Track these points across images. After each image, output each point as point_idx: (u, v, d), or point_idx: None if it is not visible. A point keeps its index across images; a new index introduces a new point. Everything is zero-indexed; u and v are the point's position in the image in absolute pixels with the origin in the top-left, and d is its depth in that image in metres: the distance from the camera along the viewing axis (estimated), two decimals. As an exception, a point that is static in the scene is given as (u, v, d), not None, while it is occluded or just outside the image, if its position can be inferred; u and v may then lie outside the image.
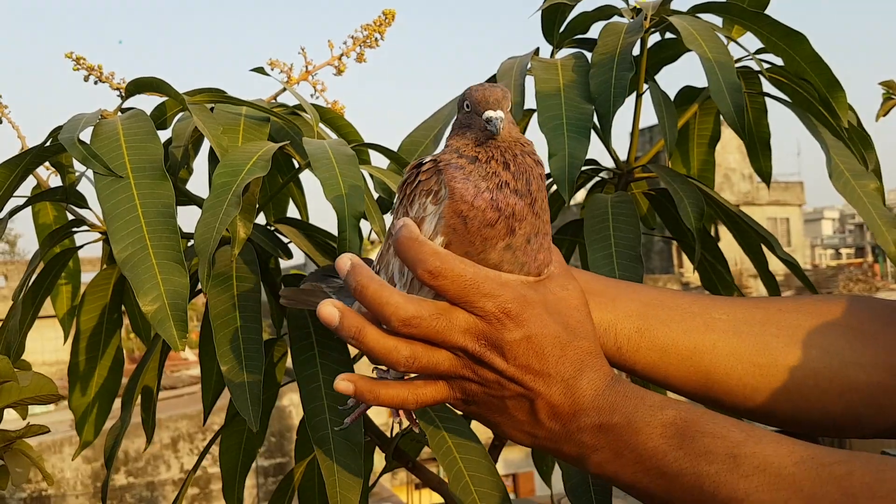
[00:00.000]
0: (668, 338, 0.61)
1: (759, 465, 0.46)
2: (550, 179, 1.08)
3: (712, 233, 1.12)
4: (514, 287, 0.52)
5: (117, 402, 1.00)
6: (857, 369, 0.59)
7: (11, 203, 0.88)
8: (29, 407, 0.81)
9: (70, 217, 0.97)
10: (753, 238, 1.05)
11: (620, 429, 0.51)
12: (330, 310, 0.52)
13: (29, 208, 1.07)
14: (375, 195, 1.03)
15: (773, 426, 0.62)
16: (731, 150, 19.21)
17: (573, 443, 0.53)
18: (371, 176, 0.94)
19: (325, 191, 0.72)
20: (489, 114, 0.51)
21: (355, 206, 0.72)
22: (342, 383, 0.54)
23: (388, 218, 0.97)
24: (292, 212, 1.06)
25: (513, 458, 11.62)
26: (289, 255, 0.93)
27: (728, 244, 1.11)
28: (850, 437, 0.66)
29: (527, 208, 0.51)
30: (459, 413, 0.83)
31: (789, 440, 0.48)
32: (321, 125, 0.91)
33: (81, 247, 1.01)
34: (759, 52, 1.01)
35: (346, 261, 0.54)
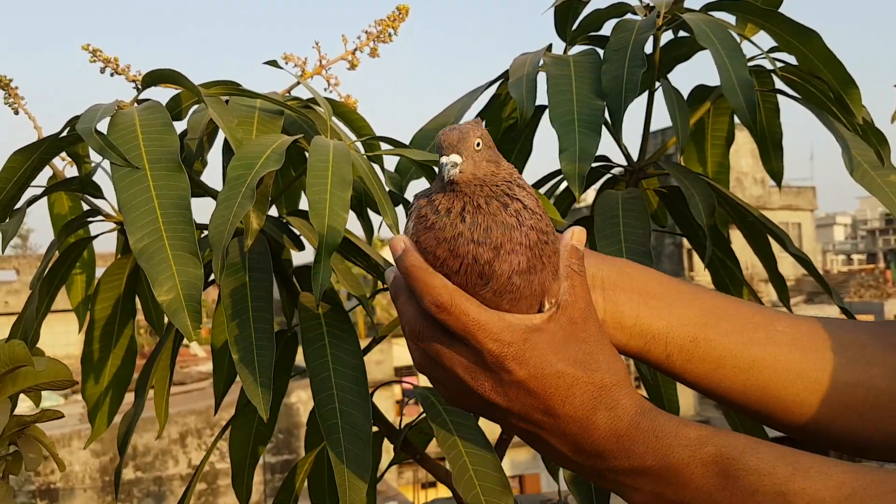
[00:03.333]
0: (725, 349, 0.58)
1: (810, 501, 0.44)
2: (561, 176, 1.09)
3: (726, 235, 1.12)
4: (517, 328, 0.51)
5: (129, 396, 1.01)
6: None
7: (29, 194, 0.89)
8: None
9: (85, 207, 0.98)
10: (763, 236, 1.05)
11: (656, 472, 0.49)
12: (398, 242, 0.52)
13: (44, 199, 1.08)
14: (387, 188, 1.04)
15: (823, 444, 0.61)
16: (743, 153, 19.12)
17: (609, 482, 0.51)
18: (382, 169, 0.95)
19: (311, 213, 0.72)
20: (442, 160, 0.50)
21: (334, 237, 0.72)
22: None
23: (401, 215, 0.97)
24: (304, 204, 1.07)
25: (519, 460, 11.60)
26: (300, 247, 0.94)
27: (739, 248, 1.11)
28: None
29: (491, 252, 0.50)
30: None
31: (839, 468, 0.46)
32: (334, 119, 0.92)
33: (96, 237, 1.02)
34: (772, 50, 1.01)
35: (399, 243, 0.52)
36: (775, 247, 1.06)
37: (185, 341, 0.91)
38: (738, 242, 1.16)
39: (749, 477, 0.46)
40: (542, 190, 1.12)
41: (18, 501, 9.15)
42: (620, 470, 0.50)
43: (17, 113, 1.07)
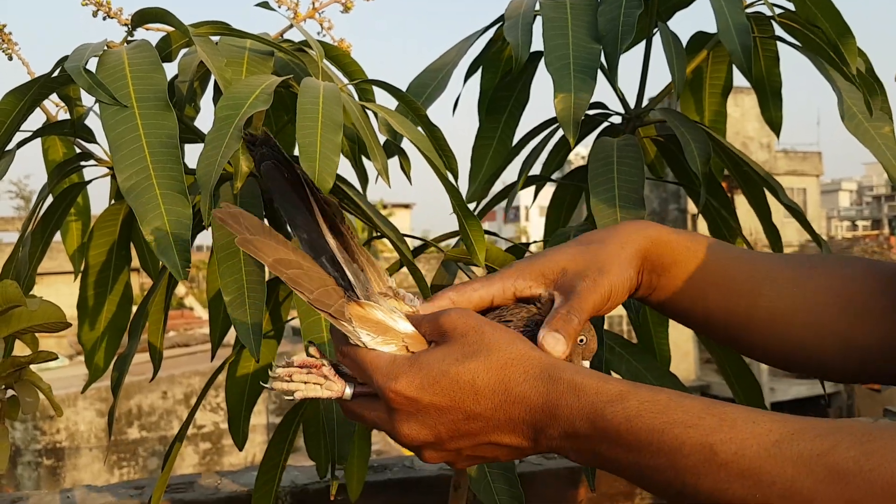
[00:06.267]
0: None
1: (738, 450, 0.45)
2: (556, 125, 1.08)
3: (722, 187, 1.11)
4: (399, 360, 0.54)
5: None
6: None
7: (20, 140, 0.89)
8: (43, 364, 0.82)
9: (78, 152, 0.97)
10: (759, 187, 1.05)
11: (586, 434, 0.49)
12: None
13: (40, 148, 1.08)
14: (382, 138, 1.03)
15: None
16: (750, 118, 18.95)
17: (556, 450, 0.52)
18: (375, 115, 0.94)
19: (301, 157, 0.72)
20: None
21: (325, 182, 0.71)
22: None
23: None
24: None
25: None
26: (294, 192, 0.94)
27: (745, 213, 1.10)
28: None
29: None
30: None
31: (766, 418, 0.46)
32: (326, 62, 0.91)
33: (90, 181, 1.02)
34: (771, -5, 0.99)
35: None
36: (778, 215, 1.06)
37: (185, 302, 0.92)
38: (743, 207, 1.15)
39: (674, 429, 0.46)
40: (537, 140, 1.11)
41: (25, 460, 9.29)
42: (556, 437, 0.50)
43: (10, 59, 1.06)
